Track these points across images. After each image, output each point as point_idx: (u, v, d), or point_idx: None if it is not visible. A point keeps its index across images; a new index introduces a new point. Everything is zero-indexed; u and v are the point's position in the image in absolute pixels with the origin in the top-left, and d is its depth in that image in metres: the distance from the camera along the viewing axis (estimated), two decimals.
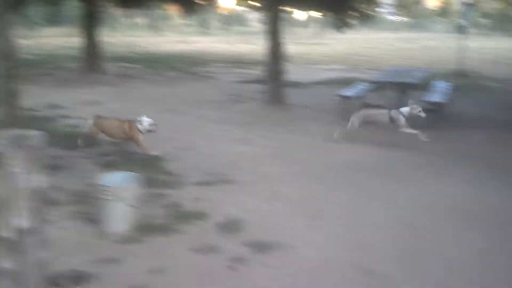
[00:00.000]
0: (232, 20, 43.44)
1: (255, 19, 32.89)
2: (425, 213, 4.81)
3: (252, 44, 22.88)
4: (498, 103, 10.73)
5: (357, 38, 35.85)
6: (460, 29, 16.67)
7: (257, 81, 11.76)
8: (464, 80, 14.13)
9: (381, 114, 7.16)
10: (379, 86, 9.36)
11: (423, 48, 28.40)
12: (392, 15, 61.78)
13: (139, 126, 6.31)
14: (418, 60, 19.97)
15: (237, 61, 18.78)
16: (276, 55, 9.60)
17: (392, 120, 7.01)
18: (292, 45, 27.10)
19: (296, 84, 12.79)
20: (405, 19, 57.95)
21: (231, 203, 4.94)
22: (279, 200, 5.06)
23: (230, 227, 4.37)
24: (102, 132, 6.57)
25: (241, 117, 8.77)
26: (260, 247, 4.00)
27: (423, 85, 9.82)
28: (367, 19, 13.56)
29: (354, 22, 12.62)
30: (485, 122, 8.65)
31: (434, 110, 8.36)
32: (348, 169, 6.11)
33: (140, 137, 6.34)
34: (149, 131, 6.35)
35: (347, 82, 11.98)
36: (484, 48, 27.36)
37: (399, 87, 8.87)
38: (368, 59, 20.77)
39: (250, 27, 40.44)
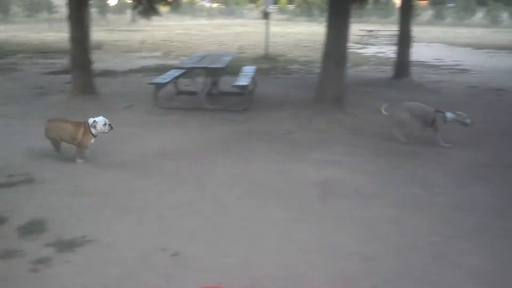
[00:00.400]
0: (37, 6, 40.17)
1: (64, 5, 30.89)
2: (232, 191, 5.10)
3: (60, 31, 21.49)
4: (298, 83, 11.75)
5: (174, 25, 35.94)
6: (266, 15, 17.77)
7: (66, 71, 11.13)
8: (270, 63, 15.15)
9: (428, 113, 6.76)
10: (189, 72, 9.55)
11: (236, 33, 29.66)
12: (208, 2, 62.98)
13: (93, 130, 5.74)
14: (230, 45, 20.83)
15: (44, 51, 17.52)
16: (82, 43, 9.17)
17: (433, 121, 6.72)
18: (107, 32, 26.25)
19: (109, 73, 12.44)
20: (220, 5, 59.57)
21: (34, 204, 4.66)
22: (85, 196, 4.90)
23: (32, 228, 4.13)
24: (58, 137, 5.84)
25: (46, 111, 8.22)
26: (66, 245, 3.86)
27: (232, 69, 10.29)
28: (176, 5, 13.69)
29: (163, 8, 12.61)
30: (288, 102, 9.39)
31: (243, 93, 8.86)
32: (159, 157, 6.17)
33: (90, 142, 5.80)
34: (105, 132, 5.84)
35: (161, 69, 12.01)
36: (289, 33, 29.55)
37: (207, 72, 9.16)
38: (183, 46, 21.01)
39: (58, 13, 37.93)
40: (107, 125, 5.79)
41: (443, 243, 4.09)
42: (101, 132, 5.79)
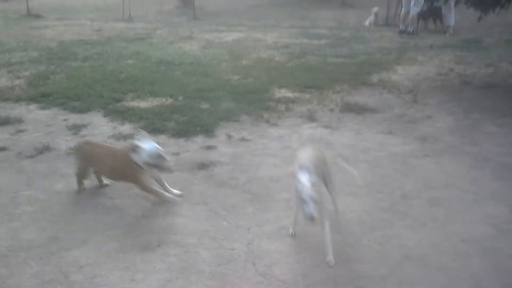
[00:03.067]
0: None
1: None
2: None
3: None
4: None
5: None
6: None
7: None
8: None
9: None
10: None
11: None
12: None
13: (137, 158, 3.69)
14: None
15: None
16: None
17: None
18: None
19: None
20: None
21: None
22: None
23: None
24: (92, 167, 4.03)
25: None
26: None
27: None
28: None
29: None
30: None
31: None
32: None
33: (142, 175, 3.75)
34: (154, 166, 3.71)
35: None
36: None
37: None
38: None
39: None
40: (158, 157, 3.71)
41: None
42: (148, 165, 3.73)
